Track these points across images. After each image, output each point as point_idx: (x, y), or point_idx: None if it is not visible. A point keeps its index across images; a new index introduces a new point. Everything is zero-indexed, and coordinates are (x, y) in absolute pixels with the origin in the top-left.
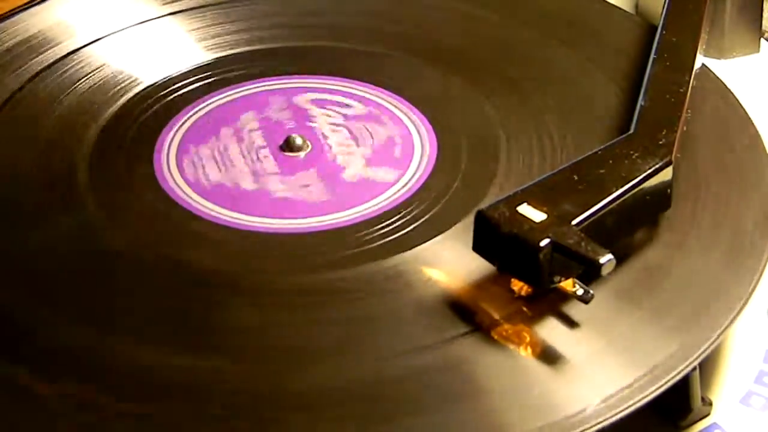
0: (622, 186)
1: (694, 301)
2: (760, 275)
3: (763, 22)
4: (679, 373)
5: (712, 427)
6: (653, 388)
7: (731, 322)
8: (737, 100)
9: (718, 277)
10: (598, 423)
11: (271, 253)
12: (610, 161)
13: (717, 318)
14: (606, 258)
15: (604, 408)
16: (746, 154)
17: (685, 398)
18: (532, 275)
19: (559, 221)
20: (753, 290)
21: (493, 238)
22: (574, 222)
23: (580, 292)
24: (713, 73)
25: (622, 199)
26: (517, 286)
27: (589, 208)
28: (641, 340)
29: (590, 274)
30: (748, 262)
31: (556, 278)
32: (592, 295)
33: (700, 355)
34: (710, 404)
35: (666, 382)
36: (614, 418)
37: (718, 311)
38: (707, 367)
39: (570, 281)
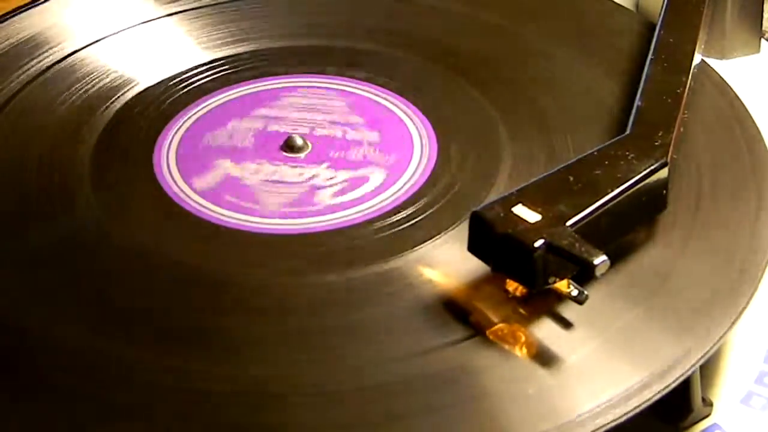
0: (617, 187)
1: (695, 303)
2: (761, 276)
3: (764, 23)
4: (680, 376)
5: (713, 428)
6: (654, 390)
7: (732, 324)
8: (738, 98)
9: (718, 278)
10: (599, 426)
11: (271, 253)
12: (606, 162)
13: (718, 320)
14: (600, 259)
15: (604, 410)
16: (746, 154)
17: (685, 399)
18: (526, 276)
19: (553, 222)
20: (754, 291)
21: (488, 238)
22: (568, 223)
23: (574, 292)
24: (715, 72)
25: (617, 200)
26: (512, 286)
27: (584, 209)
28: (642, 342)
29: (584, 275)
30: (749, 262)
31: (551, 279)
32: (587, 296)
33: (701, 359)
34: (711, 405)
35: (667, 386)
36: (615, 422)
37: (719, 313)
38: (707, 367)
39: (565, 282)
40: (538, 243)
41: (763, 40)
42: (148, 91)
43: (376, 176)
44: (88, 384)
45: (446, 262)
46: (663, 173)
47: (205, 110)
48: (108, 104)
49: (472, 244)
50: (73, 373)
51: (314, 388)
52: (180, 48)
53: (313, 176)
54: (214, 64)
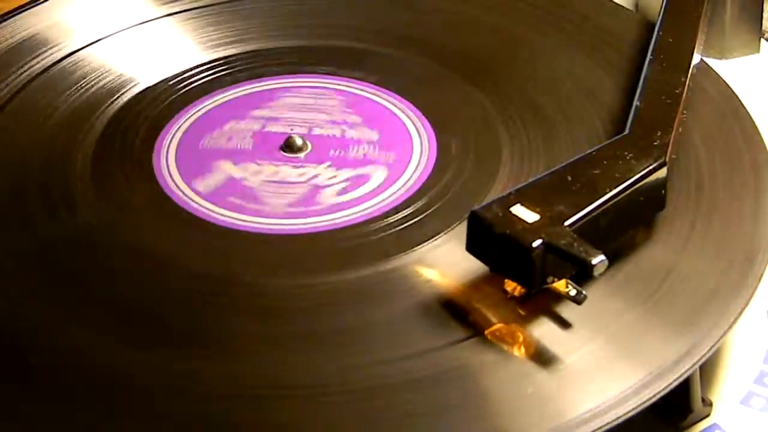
0: (615, 187)
1: (695, 302)
2: (761, 276)
3: (763, 22)
4: (680, 376)
5: (713, 428)
6: (653, 390)
7: (732, 324)
8: (738, 98)
9: (718, 278)
10: (598, 426)
11: (271, 253)
12: (605, 162)
13: (718, 319)
14: (598, 259)
15: (603, 410)
16: (746, 154)
17: (685, 399)
18: (524, 276)
19: (552, 222)
20: (753, 291)
21: (487, 238)
22: (567, 223)
23: (573, 292)
24: (714, 72)
25: (615, 200)
26: (511, 286)
27: (582, 209)
28: (641, 342)
29: (583, 274)
30: (749, 262)
31: (549, 279)
32: (585, 296)
33: (701, 358)
34: (710, 405)
35: (667, 386)
36: (614, 422)
37: (718, 312)
38: (707, 367)
39: (563, 282)
40: (536, 243)
41: (762, 40)
42: (148, 91)
43: (377, 175)
44: (87, 383)
45: (445, 263)
46: (662, 173)
47: (204, 110)
48: (108, 104)
49: (471, 244)
50: (72, 373)
51: (313, 388)
52: (180, 48)
53: (315, 176)
54: (214, 64)
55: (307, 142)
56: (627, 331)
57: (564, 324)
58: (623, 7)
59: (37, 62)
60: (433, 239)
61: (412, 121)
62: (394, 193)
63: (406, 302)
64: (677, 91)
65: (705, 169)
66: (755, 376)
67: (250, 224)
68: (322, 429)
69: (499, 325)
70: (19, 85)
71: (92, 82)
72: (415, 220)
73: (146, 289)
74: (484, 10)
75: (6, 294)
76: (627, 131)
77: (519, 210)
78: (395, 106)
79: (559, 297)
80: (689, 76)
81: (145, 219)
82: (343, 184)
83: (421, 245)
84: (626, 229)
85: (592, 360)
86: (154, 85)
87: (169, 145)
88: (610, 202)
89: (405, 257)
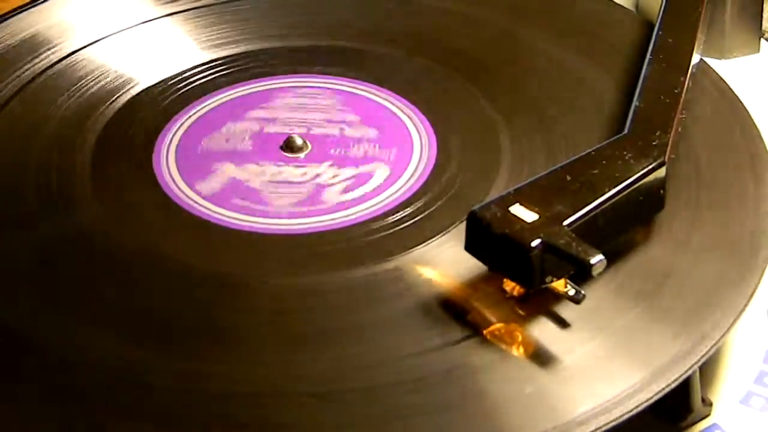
0: (614, 187)
1: (695, 302)
2: (761, 276)
3: (763, 22)
4: (679, 376)
5: (713, 428)
6: (653, 390)
7: (732, 323)
8: (738, 99)
9: (718, 278)
10: (598, 426)
11: (270, 253)
12: (604, 162)
13: (718, 319)
14: (597, 259)
15: (603, 410)
16: (746, 154)
17: (685, 399)
18: (523, 276)
19: (551, 222)
20: (754, 291)
21: (485, 238)
22: (566, 222)
23: (571, 292)
24: (714, 72)
25: (614, 199)
26: (510, 286)
27: (581, 209)
28: (642, 342)
29: (581, 274)
30: (749, 262)
31: (548, 279)
32: (584, 296)
33: (701, 359)
34: (710, 405)
35: (667, 386)
36: (613, 422)
37: (718, 312)
38: (707, 367)
39: (562, 282)
40: (535, 243)
41: (762, 40)
42: (147, 91)
43: (377, 175)
44: (87, 383)
45: (444, 262)
46: (660, 173)
47: (205, 110)
48: (107, 104)
49: (470, 243)
50: (73, 374)
51: (313, 388)
52: (179, 48)
53: (315, 176)
54: (213, 64)
55: (307, 142)
56: (626, 331)
57: (563, 324)
58: (623, 6)
59: (37, 62)
60: (432, 239)
61: (413, 122)
62: (395, 192)
63: (406, 302)
64: (676, 91)
65: (704, 169)
66: (755, 376)
67: (251, 224)
68: (322, 429)
69: (498, 325)
70: (19, 85)
71: (92, 82)
72: (415, 219)
73: (146, 289)
74: (485, 10)
75: (6, 294)
76: (626, 131)
77: (518, 210)
78: (395, 105)
79: (558, 297)
80: (689, 76)
81: (144, 219)
82: (344, 184)
83: (421, 245)
84: (625, 228)
85: (591, 360)
86: (154, 85)
87: (169, 145)
88: (609, 202)
89: (405, 257)
